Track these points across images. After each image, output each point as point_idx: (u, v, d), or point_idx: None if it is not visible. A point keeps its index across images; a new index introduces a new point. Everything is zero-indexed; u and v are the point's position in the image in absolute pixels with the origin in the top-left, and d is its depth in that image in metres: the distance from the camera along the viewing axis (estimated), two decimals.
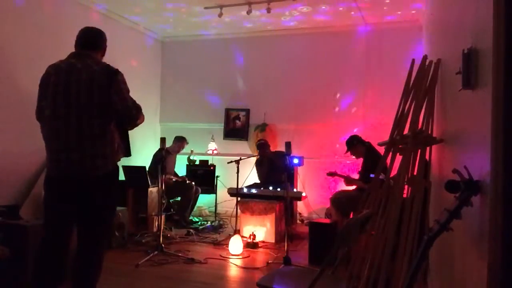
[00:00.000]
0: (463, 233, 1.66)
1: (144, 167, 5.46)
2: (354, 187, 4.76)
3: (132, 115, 2.38)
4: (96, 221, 2.40)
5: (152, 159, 5.96)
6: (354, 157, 5.02)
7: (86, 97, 2.27)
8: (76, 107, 2.27)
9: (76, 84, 2.28)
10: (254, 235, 4.75)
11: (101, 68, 2.34)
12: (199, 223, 5.85)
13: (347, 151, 4.87)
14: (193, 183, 5.98)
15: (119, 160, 2.45)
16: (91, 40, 2.47)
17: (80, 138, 2.27)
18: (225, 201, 6.26)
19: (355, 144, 4.81)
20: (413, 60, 3.13)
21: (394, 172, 2.89)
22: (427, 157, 2.81)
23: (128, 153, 2.51)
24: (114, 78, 2.31)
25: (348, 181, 4.77)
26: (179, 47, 7.41)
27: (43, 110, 2.34)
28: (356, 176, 5.04)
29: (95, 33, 2.51)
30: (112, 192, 2.47)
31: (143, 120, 2.52)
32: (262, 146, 5.74)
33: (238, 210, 4.96)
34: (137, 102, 2.46)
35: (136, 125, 2.51)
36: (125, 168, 5.52)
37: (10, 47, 4.47)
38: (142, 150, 6.70)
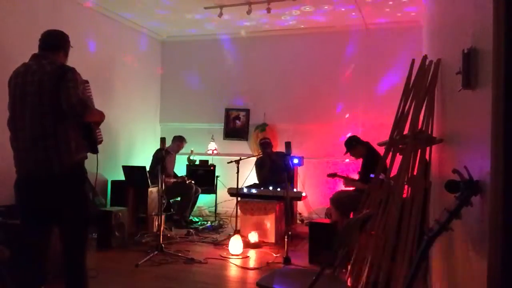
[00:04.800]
0: (463, 233, 1.66)
1: (144, 167, 5.46)
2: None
3: (77, 112, 2.32)
4: (65, 221, 2.41)
5: (152, 159, 5.96)
6: (354, 157, 5.02)
7: (38, 97, 2.30)
8: (30, 107, 2.31)
9: (30, 85, 2.33)
10: (254, 235, 4.75)
11: (53, 67, 2.36)
12: (199, 223, 5.86)
13: (346, 152, 4.87)
14: (193, 182, 5.98)
15: (80, 159, 2.41)
16: (50, 41, 2.50)
17: (34, 138, 2.31)
18: (225, 201, 6.27)
19: (354, 145, 4.80)
20: (413, 60, 3.13)
21: (394, 172, 2.89)
22: (427, 157, 2.81)
23: (94, 150, 2.47)
24: (63, 76, 2.32)
25: (347, 182, 4.77)
26: (179, 47, 7.41)
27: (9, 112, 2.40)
28: (356, 176, 5.03)
29: (55, 35, 2.55)
30: (76, 190, 2.43)
31: (98, 117, 2.45)
32: (265, 145, 5.69)
33: (238, 210, 4.96)
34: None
35: (95, 122, 2.45)
36: (125, 168, 5.53)
37: (5, 43, 4.46)
38: (142, 150, 6.70)
